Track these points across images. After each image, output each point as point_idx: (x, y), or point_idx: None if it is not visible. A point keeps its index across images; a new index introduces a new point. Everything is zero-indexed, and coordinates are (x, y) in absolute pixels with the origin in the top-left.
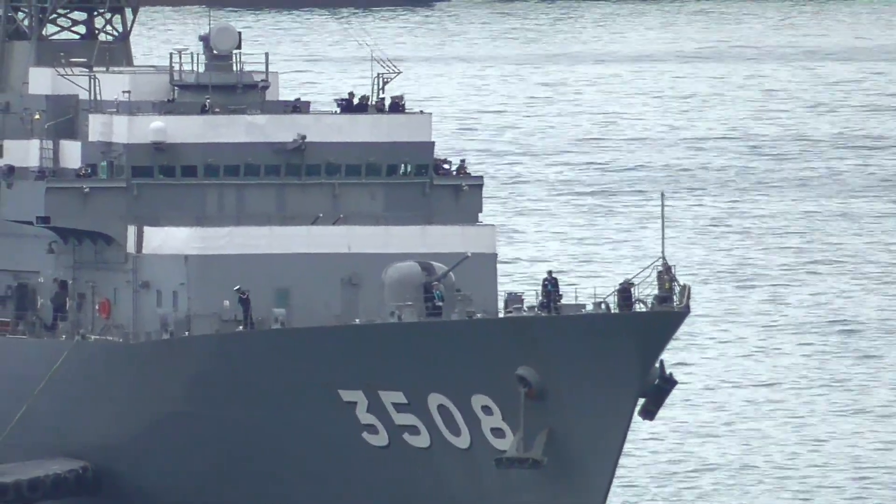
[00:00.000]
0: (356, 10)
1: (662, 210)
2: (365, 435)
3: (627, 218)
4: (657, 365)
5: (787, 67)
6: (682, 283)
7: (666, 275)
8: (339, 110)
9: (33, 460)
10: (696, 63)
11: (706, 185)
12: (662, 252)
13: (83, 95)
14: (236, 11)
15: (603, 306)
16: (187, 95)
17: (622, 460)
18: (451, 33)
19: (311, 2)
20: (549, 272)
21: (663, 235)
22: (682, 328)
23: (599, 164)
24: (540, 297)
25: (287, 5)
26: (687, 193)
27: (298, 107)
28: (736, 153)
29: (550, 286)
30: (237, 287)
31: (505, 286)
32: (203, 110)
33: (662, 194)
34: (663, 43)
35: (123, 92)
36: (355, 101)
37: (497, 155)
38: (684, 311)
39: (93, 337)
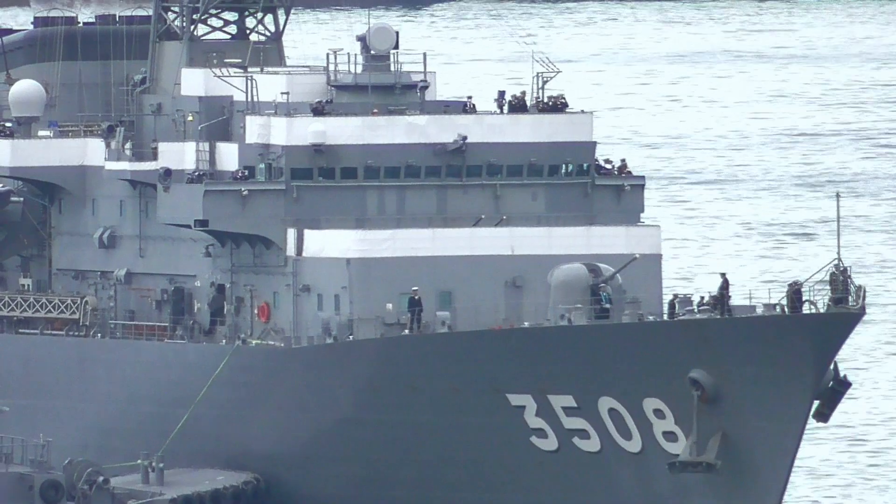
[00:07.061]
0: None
1: (838, 210)
2: (534, 439)
3: (799, 218)
4: (831, 367)
5: None
6: (857, 283)
7: (842, 276)
8: (499, 110)
9: (196, 468)
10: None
11: (883, 186)
12: (838, 253)
13: (237, 96)
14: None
15: (777, 308)
16: (345, 96)
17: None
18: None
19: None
20: (723, 274)
21: (839, 236)
22: (856, 330)
23: (768, 162)
24: (709, 298)
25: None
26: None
27: (466, 105)
28: None
29: (722, 288)
30: (414, 288)
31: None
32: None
33: (838, 195)
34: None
35: (281, 93)
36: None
37: (658, 153)
38: (860, 313)
39: (253, 341)
